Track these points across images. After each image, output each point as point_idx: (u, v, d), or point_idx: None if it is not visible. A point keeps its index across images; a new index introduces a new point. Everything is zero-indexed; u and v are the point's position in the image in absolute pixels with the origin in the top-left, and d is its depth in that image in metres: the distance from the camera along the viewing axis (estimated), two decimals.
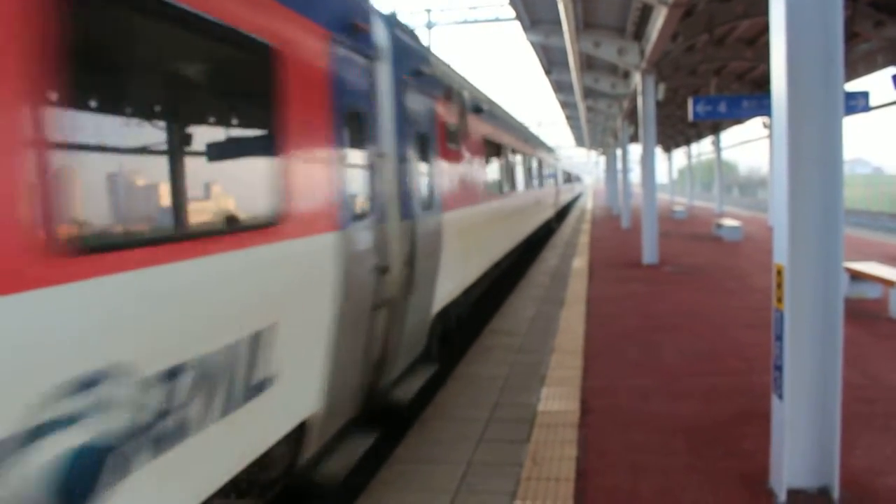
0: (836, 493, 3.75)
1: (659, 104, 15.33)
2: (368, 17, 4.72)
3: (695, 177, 50.95)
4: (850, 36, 13.63)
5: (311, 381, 3.69)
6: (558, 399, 5.67)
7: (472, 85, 9.40)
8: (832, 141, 3.65)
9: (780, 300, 3.81)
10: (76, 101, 2.23)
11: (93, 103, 2.42)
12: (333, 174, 3.92)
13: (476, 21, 29.25)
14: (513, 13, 16.69)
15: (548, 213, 22.83)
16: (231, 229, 3.06)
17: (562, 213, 34.77)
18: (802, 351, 3.78)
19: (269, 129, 3.30)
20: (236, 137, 3.37)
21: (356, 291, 4.19)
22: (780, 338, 3.83)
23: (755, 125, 26.34)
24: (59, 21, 2.04)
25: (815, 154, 3.67)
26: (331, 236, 3.83)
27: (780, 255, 3.80)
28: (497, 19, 28.90)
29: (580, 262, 14.84)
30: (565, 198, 37.76)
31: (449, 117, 7.33)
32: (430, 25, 28.50)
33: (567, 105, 31.49)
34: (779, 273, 3.81)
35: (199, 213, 2.96)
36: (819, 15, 3.59)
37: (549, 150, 26.30)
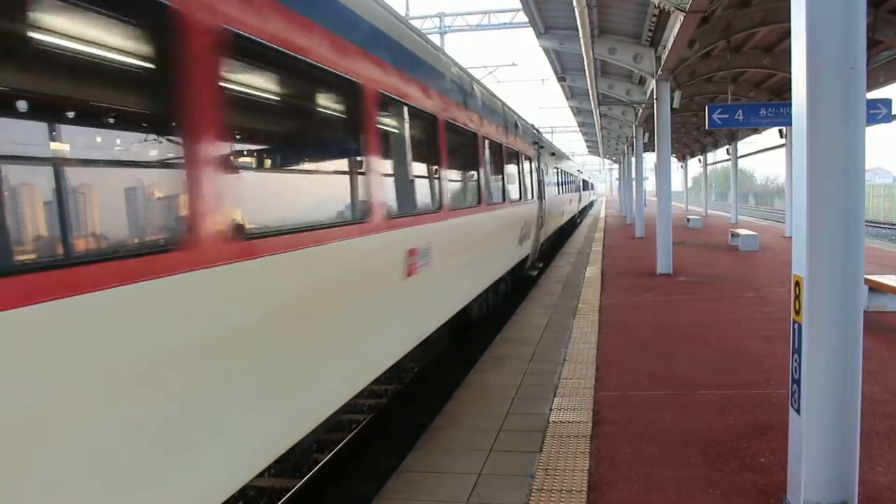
0: None
1: (674, 112, 15.22)
2: None
3: (710, 185, 50.61)
4: (872, 43, 13.46)
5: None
6: (571, 409, 5.60)
7: None
8: (853, 150, 3.57)
9: (798, 312, 3.73)
10: None
11: None
12: None
13: (489, 27, 29.30)
14: (526, 19, 16.65)
15: (506, 261, 10.96)
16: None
17: (554, 235, 21.44)
18: (821, 364, 3.69)
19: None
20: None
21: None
22: (798, 350, 3.74)
23: (771, 134, 26.07)
24: None
25: (835, 163, 3.59)
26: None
27: (799, 266, 3.72)
28: (510, 24, 28.93)
29: (593, 271, 14.74)
30: (566, 210, 24.46)
31: None
32: (443, 31, 28.56)
33: (580, 111, 31.38)
34: (797, 284, 3.73)
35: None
36: (841, 21, 3.51)
37: (520, 126, 13.09)
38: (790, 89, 3.78)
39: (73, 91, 2.57)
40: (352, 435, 6.30)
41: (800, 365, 3.72)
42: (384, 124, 5.19)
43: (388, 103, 5.24)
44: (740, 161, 33.52)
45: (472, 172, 8.54)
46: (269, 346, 3.39)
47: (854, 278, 3.64)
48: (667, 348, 7.61)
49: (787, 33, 15.47)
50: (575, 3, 10.82)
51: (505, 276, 11.04)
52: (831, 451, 3.73)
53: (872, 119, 14.28)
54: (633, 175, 29.18)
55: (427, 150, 6.53)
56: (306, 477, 5.47)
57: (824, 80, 3.55)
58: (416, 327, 5.98)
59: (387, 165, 5.28)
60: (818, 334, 3.68)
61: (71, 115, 2.49)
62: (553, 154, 19.85)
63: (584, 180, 43.05)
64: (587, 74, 17.76)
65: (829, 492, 3.76)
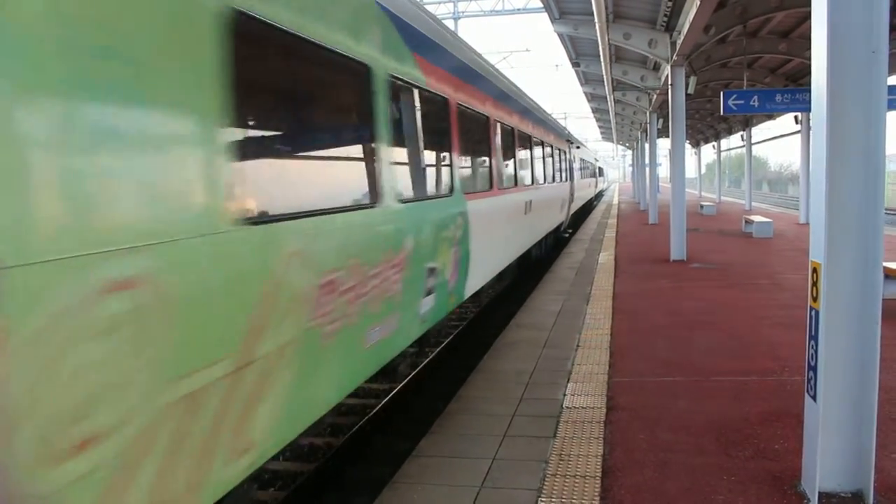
0: (870, 498, 3.66)
1: (689, 97, 15.08)
2: None
3: (723, 172, 50.15)
4: (893, 27, 13.23)
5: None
6: (584, 395, 5.62)
7: None
8: (874, 135, 3.53)
9: (815, 298, 3.71)
10: None
11: None
12: None
13: (503, 12, 29.09)
14: (540, 4, 16.51)
15: None
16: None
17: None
18: (838, 351, 3.68)
19: None
20: None
21: None
22: (814, 337, 3.73)
23: (786, 120, 25.76)
24: None
25: (855, 149, 3.55)
26: None
27: (817, 252, 3.69)
28: (524, 10, 28.69)
29: (606, 257, 14.69)
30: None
31: None
32: (456, 17, 28.38)
33: (594, 97, 31.13)
34: (815, 271, 3.71)
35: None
36: (863, 4, 3.46)
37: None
38: (806, 75, 3.76)
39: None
40: (366, 419, 6.35)
41: (816, 352, 3.70)
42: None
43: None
44: (754, 148, 33.19)
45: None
46: None
47: (873, 265, 3.62)
48: (681, 335, 7.60)
49: (804, 18, 15.24)
50: None
51: None
52: (847, 439, 3.73)
53: (893, 105, 14.06)
54: (647, 161, 28.97)
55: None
56: (321, 461, 5.53)
57: (846, 64, 3.51)
58: None
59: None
60: (835, 321, 3.66)
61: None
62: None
63: (572, 162, 21.73)
64: (602, 60, 17.62)
65: (845, 479, 3.76)
